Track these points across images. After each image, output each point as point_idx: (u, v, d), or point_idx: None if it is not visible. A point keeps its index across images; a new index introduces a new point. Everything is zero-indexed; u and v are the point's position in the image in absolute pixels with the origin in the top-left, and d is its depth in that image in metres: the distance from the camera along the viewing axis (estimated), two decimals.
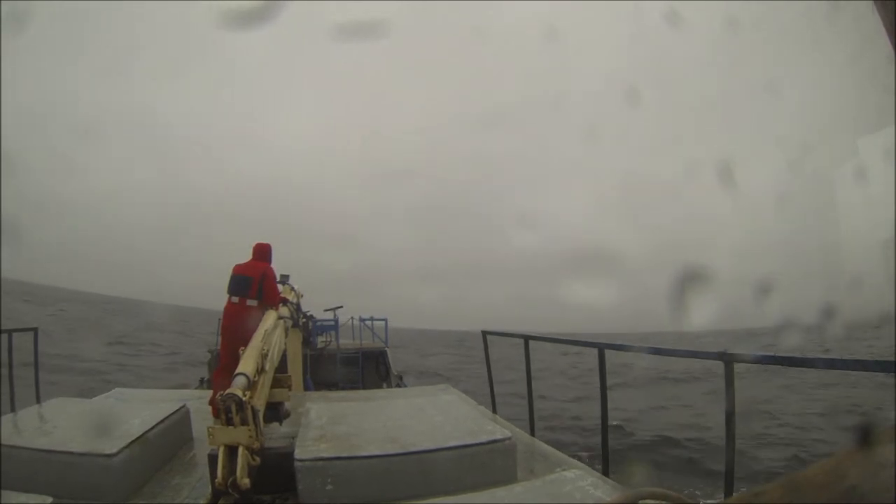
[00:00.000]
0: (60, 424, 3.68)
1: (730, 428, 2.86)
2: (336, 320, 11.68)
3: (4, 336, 4.70)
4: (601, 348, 3.80)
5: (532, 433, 4.75)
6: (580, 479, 2.67)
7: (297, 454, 3.10)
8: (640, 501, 2.36)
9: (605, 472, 3.69)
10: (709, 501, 7.52)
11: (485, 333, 5.96)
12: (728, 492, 2.93)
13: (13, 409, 4.43)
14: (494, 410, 5.66)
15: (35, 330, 5.27)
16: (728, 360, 2.85)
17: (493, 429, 3.58)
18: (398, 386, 10.02)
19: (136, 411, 4.11)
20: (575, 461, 3.94)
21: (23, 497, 2.45)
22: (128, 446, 3.31)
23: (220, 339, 5.62)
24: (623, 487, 2.98)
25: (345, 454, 3.12)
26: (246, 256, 5.44)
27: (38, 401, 4.76)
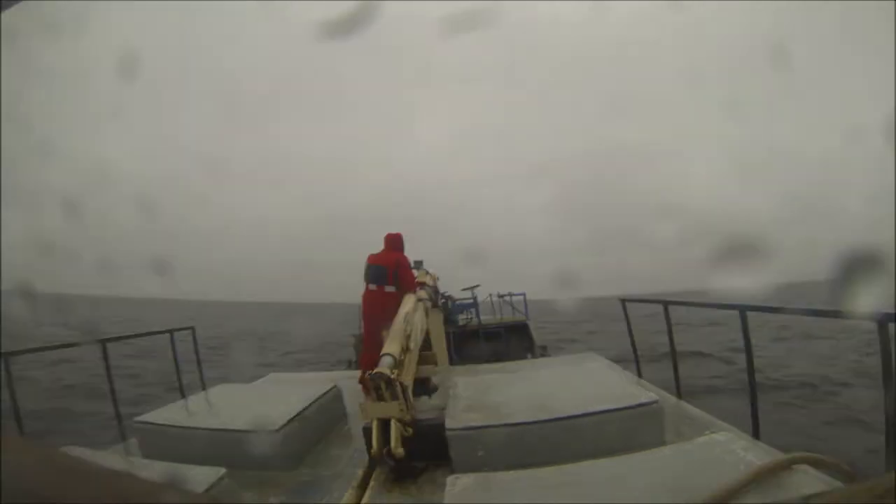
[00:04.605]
0: (226, 406, 4.15)
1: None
2: (475, 298, 11.98)
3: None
4: (742, 310, 3.48)
5: (679, 395, 4.46)
6: (731, 441, 2.47)
7: (448, 423, 3.22)
8: (794, 466, 2.09)
9: (756, 435, 3.39)
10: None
11: (623, 301, 5.83)
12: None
13: (183, 396, 5.06)
14: (640, 375, 5.41)
15: (192, 329, 6.06)
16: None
17: (639, 393, 3.45)
18: (542, 356, 9.92)
19: (292, 392, 4.53)
20: (724, 424, 3.59)
21: (197, 469, 2.74)
22: (288, 423, 3.66)
23: (362, 324, 5.92)
24: (775, 451, 2.72)
25: (493, 422, 3.18)
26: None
27: (204, 388, 5.45)
